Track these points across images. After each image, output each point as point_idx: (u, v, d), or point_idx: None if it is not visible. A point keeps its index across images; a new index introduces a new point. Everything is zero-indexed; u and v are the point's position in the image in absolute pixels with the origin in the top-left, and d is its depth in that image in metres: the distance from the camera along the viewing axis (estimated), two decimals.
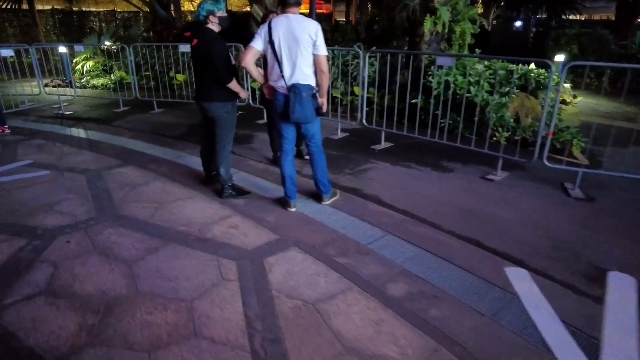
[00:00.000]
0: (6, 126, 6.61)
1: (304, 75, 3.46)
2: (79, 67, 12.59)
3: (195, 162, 5.13)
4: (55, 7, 21.29)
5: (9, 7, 18.06)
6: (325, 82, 3.58)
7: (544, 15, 20.06)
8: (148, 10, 18.39)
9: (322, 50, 3.44)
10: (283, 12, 3.48)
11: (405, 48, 8.95)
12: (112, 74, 11.90)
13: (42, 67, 8.99)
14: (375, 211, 3.89)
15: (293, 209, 3.85)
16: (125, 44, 13.68)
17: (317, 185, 3.95)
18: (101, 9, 23.38)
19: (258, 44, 3.47)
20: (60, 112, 8.24)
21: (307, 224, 3.62)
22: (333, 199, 4.04)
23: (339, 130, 6.48)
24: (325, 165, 3.89)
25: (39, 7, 19.84)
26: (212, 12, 3.71)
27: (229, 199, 4.07)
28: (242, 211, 3.84)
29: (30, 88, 8.58)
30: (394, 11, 8.52)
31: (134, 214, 3.74)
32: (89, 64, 12.43)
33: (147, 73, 10.71)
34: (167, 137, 6.42)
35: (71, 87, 11.54)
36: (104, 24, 22.94)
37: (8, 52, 7.28)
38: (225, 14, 3.81)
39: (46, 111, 8.35)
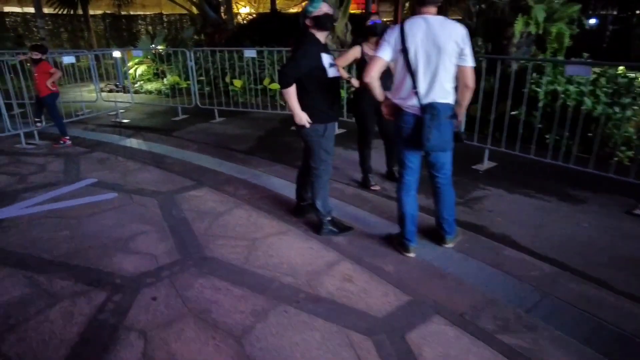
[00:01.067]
0: (67, 137, 6.23)
1: (444, 91, 2.74)
2: (131, 71, 12.38)
3: (274, 183, 4.51)
4: (105, 11, 21.44)
5: (64, 12, 18.24)
6: (468, 100, 2.85)
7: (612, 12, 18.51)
8: (197, 12, 18.22)
9: (471, 61, 2.71)
10: (418, 12, 2.76)
11: (483, 51, 8.05)
12: (164, 79, 11.62)
13: (97, 72, 8.69)
14: (515, 259, 3.11)
15: (412, 255, 3.13)
16: (176, 47, 13.43)
17: (441, 225, 3.22)
18: (148, 12, 23.47)
19: (386, 54, 2.76)
20: (118, 120, 7.87)
21: (437, 277, 2.89)
22: (457, 240, 3.29)
23: None
24: (453, 201, 3.16)
25: (90, 12, 20.03)
26: (309, 14, 3.03)
27: (328, 236, 3.40)
28: (350, 254, 3.16)
29: (87, 93, 8.28)
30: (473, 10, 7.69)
31: (224, 256, 3.13)
32: (141, 68, 12.19)
33: (202, 78, 10.29)
34: (236, 151, 5.85)
35: (124, 91, 11.33)
36: (150, 27, 23.05)
37: (70, 59, 6.94)
38: (324, 12, 3.06)
39: (103, 119, 8.00)
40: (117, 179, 4.75)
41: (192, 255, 3.15)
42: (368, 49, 4.01)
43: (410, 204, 3.07)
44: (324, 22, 3.05)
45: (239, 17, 19.26)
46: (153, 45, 12.35)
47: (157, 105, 8.84)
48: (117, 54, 10.56)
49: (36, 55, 5.88)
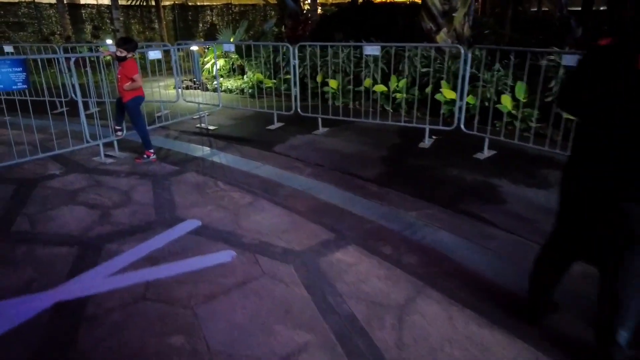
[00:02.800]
0: (152, 150, 5.09)
1: None
2: (208, 66, 11.37)
3: (450, 245, 3.10)
4: (175, 2, 20.86)
5: (137, 3, 17.79)
6: None
7: None
8: (268, 2, 17.09)
9: None
10: None
11: None
12: (244, 76, 10.49)
13: (166, 66, 7.65)
14: None
15: None
16: (257, 40, 12.29)
17: None
18: (216, 3, 22.67)
19: None
20: (203, 125, 6.72)
21: None
22: None
23: None
24: None
25: (152, 2, 19.45)
26: None
27: None
28: None
29: (164, 90, 7.20)
30: None
31: None
32: (219, 63, 11.13)
33: (288, 77, 9.02)
34: (363, 179, 4.47)
35: (202, 89, 10.32)
36: (218, 18, 22.27)
37: (156, 55, 5.83)
38: None
39: (186, 123, 6.88)
40: (228, 223, 3.48)
41: None
42: None
43: None
44: None
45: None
46: (235, 38, 11.25)
47: (243, 109, 7.63)
48: (194, 47, 9.51)
49: (121, 53, 4.75)
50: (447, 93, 6.54)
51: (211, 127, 6.68)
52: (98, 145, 5.11)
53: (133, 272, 2.74)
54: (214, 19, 22.40)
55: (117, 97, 5.14)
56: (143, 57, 7.01)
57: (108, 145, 5.29)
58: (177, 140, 5.94)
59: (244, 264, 2.87)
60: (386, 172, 4.75)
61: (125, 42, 4.84)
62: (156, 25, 19.37)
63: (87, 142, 5.00)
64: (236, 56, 10.81)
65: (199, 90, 9.83)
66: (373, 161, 5.09)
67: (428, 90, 6.34)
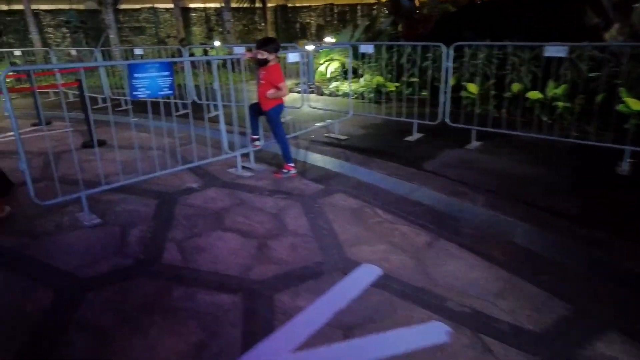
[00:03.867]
0: (292, 164, 4.52)
1: None
2: (322, 68, 10.86)
3: None
4: (278, 3, 20.92)
5: (245, 5, 18.06)
6: None
7: None
8: (380, 1, 16.33)
9: None
10: None
11: None
12: (361, 79, 9.80)
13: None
14: None
15: None
16: (374, 40, 11.57)
17: None
18: (317, 4, 22.37)
19: None
20: (333, 135, 6.09)
21: None
22: None
23: None
24: None
25: (258, 4, 19.56)
26: None
27: None
28: None
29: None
30: None
31: None
32: (334, 65, 10.56)
33: (414, 79, 8.13)
34: (559, 215, 3.46)
35: (317, 93, 9.81)
36: (320, 19, 21.97)
37: (295, 58, 5.30)
38: None
39: (314, 131, 6.28)
40: (415, 274, 2.71)
41: None
42: None
43: None
44: None
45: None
46: (355, 38, 10.60)
47: (372, 116, 6.88)
48: (310, 47, 9.00)
49: (262, 55, 4.20)
50: (633, 103, 5.23)
51: (342, 137, 6.03)
52: (233, 155, 4.65)
53: (326, 350, 2.06)
54: (312, 20, 22.16)
55: (251, 103, 4.65)
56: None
57: (242, 155, 4.82)
58: (309, 152, 5.34)
59: (468, 349, 2.06)
60: (586, 206, 3.68)
61: (267, 43, 4.28)
62: (260, 27, 19.54)
63: (226, 153, 4.56)
64: (345, 58, 10.18)
65: (314, 95, 9.33)
66: (558, 189, 4.04)
67: (599, 98, 5.09)
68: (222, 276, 2.68)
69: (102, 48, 9.67)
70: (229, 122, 4.64)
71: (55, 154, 5.31)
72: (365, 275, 2.68)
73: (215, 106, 7.43)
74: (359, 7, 21.33)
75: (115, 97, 8.31)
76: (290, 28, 21.46)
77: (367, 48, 5.93)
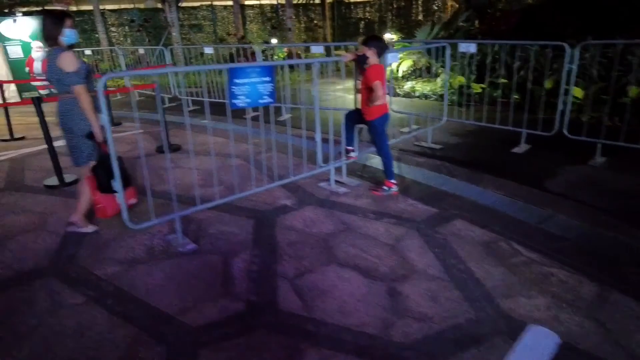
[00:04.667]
0: (394, 181, 3.98)
1: None
2: (393, 67, 10.22)
3: None
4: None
5: (302, 2, 17.67)
6: None
7: None
8: None
9: None
10: None
11: None
12: (437, 78, 9.09)
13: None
14: None
15: None
16: (451, 38, 10.81)
17: None
18: None
19: None
20: (425, 144, 5.48)
21: None
22: None
23: None
24: None
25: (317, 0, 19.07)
26: None
27: None
28: None
29: (343, 94, 6.10)
30: None
31: None
32: (407, 63, 9.90)
33: (503, 80, 7.35)
34: None
35: (390, 94, 9.19)
36: (377, 15, 21.19)
37: (394, 58, 4.76)
38: None
39: (402, 140, 5.68)
40: (601, 342, 2.10)
41: None
42: None
43: None
44: None
45: None
46: (429, 35, 9.90)
47: (458, 121, 6.19)
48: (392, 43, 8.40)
49: (365, 51, 3.68)
50: None
51: (435, 146, 5.41)
52: (327, 169, 4.17)
53: None
54: (370, 15, 21.41)
55: (349, 110, 4.14)
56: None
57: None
58: (403, 164, 4.77)
59: None
60: None
61: (373, 41, 3.76)
62: (320, 24, 19.07)
63: (320, 166, 4.08)
64: (419, 54, 9.48)
65: (387, 96, 8.71)
66: None
67: None
68: (357, 334, 2.17)
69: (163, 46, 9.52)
70: (296, 125, 4.16)
71: (130, 160, 5.08)
72: (539, 343, 2.09)
73: (286, 109, 7.02)
74: (419, 2, 20.36)
75: (182, 97, 8.09)
76: (347, 24, 20.84)
77: (468, 47, 5.26)
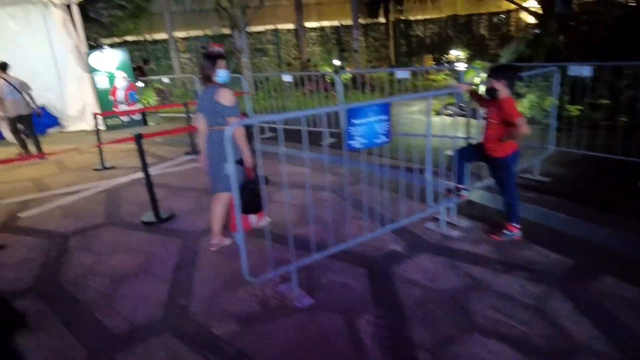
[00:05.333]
0: (517, 225, 3.55)
1: None
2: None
3: None
4: (397, 18, 20.01)
5: (368, 22, 17.59)
6: None
7: None
8: (521, 6, 14.72)
9: None
10: None
11: None
12: (523, 99, 8.48)
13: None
14: None
15: None
16: (532, 55, 10.19)
17: None
18: (435, 16, 21.06)
19: None
20: (530, 176, 4.97)
21: None
22: None
23: None
24: None
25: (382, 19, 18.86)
26: None
27: None
28: None
29: (419, 116, 5.70)
30: None
31: None
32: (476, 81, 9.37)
33: (605, 101, 6.70)
34: None
35: (469, 115, 8.67)
36: (440, 32, 20.68)
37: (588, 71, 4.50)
38: None
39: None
40: None
41: None
42: None
43: None
44: None
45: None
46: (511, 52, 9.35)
47: (578, 152, 5.60)
48: (461, 65, 7.97)
49: (494, 84, 3.34)
50: None
51: (543, 179, 4.89)
52: (428, 207, 3.82)
53: None
54: (432, 33, 20.90)
55: (463, 145, 3.80)
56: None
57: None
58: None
59: None
60: None
61: (504, 71, 3.42)
62: (384, 44, 18.88)
63: (430, 205, 3.75)
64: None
65: (460, 118, 8.20)
66: None
67: None
68: None
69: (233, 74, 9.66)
70: (337, 146, 3.83)
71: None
72: None
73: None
74: (483, 16, 19.66)
75: (257, 124, 8.08)
76: (409, 43, 20.49)
77: (581, 70, 4.74)
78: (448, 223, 3.82)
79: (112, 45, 12.51)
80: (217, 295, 3.00)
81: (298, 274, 2.94)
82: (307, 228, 3.50)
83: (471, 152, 3.71)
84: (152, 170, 4.59)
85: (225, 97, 3.20)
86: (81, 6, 9.91)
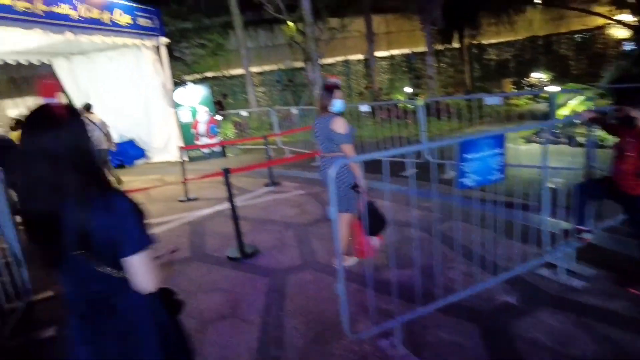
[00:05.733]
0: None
1: None
2: (563, 111, 8.95)
3: None
4: (471, 42, 19.43)
5: (442, 49, 17.25)
6: None
7: None
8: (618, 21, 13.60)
9: None
10: None
11: None
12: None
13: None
14: None
15: None
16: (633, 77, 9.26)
17: None
18: (511, 38, 20.12)
19: None
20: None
21: None
22: None
23: None
24: None
25: (455, 44, 18.33)
26: None
27: None
28: None
29: (513, 144, 5.06)
30: None
31: None
32: (580, 108, 8.57)
33: None
34: None
35: (573, 144, 7.94)
36: (519, 54, 19.73)
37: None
38: None
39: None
40: None
41: None
42: None
43: None
44: None
45: None
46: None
47: None
48: (553, 88, 7.28)
49: (631, 112, 2.86)
50: None
51: None
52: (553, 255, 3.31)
53: None
54: (510, 56, 19.97)
55: (584, 180, 3.29)
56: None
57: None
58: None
59: None
60: None
61: (636, 95, 2.94)
62: (460, 69, 18.34)
63: (546, 251, 3.26)
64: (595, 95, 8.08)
65: (562, 146, 7.48)
66: None
67: None
68: None
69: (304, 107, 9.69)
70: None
71: (301, 227, 4.86)
72: None
73: (451, 165, 6.33)
74: (567, 35, 18.45)
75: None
76: (484, 67, 19.73)
77: None
78: (568, 271, 3.30)
79: (193, 82, 13.27)
80: (310, 348, 2.74)
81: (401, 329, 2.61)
82: (399, 271, 3.18)
83: (597, 188, 3.21)
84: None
85: (340, 126, 3.39)
86: (167, 47, 10.60)
